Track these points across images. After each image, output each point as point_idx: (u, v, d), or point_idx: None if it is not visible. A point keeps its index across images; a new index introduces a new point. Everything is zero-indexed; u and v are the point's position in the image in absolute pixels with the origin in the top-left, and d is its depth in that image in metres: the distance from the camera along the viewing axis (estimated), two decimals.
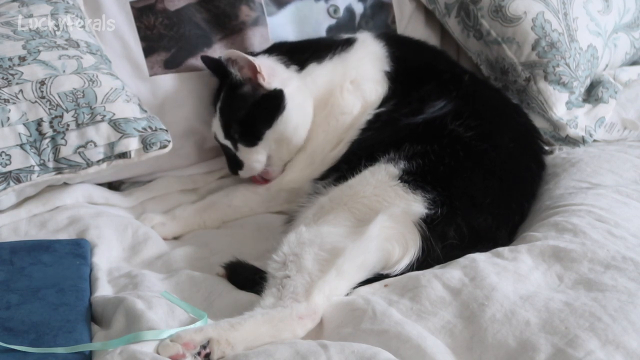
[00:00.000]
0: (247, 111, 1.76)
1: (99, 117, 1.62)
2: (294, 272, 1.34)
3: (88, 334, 1.28)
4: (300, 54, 1.84)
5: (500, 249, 1.41)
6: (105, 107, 1.64)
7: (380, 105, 1.76)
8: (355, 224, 1.43)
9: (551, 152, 1.89)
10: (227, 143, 1.81)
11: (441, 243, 1.42)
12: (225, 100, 1.79)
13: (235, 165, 1.83)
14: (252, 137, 1.77)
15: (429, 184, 1.46)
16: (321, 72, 1.81)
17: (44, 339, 1.23)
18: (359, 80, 1.79)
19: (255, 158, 1.80)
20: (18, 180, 1.58)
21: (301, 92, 1.78)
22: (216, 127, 1.83)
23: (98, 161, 1.64)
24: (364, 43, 1.87)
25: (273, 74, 1.76)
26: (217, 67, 1.85)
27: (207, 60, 1.88)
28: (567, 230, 1.44)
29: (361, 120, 1.75)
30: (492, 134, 1.60)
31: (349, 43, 1.87)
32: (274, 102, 1.75)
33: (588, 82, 2.04)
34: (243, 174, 1.83)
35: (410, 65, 1.82)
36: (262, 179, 1.85)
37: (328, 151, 1.78)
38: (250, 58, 1.73)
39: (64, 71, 1.64)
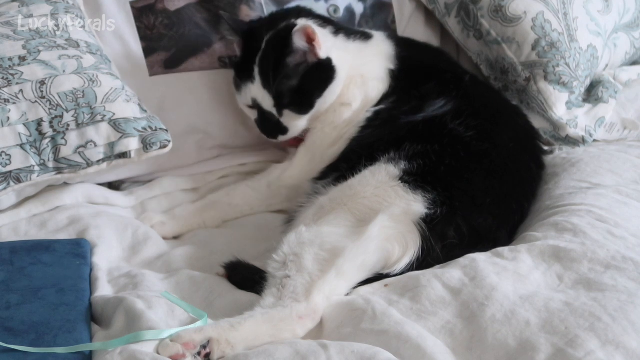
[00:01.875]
0: (300, 81, 1.74)
1: (99, 117, 1.62)
2: (294, 272, 1.34)
3: (88, 334, 1.28)
4: (330, 23, 1.85)
5: (500, 249, 1.41)
6: (105, 107, 1.64)
7: (380, 102, 1.76)
8: (355, 224, 1.43)
9: (551, 152, 1.89)
10: (273, 110, 1.78)
11: (441, 243, 1.42)
12: (274, 68, 1.74)
13: (277, 130, 1.80)
14: (306, 106, 1.76)
15: (430, 184, 1.46)
16: (349, 48, 1.81)
17: (44, 339, 1.23)
18: (367, 76, 1.79)
19: (302, 124, 1.79)
20: (18, 180, 1.58)
21: (341, 59, 1.76)
22: (257, 94, 1.78)
23: (98, 161, 1.64)
24: (378, 41, 1.87)
25: (322, 41, 1.73)
26: (240, 28, 1.84)
27: (229, 20, 1.86)
28: (567, 230, 1.44)
29: (361, 117, 1.75)
30: (492, 134, 1.60)
31: (366, 36, 1.87)
32: (327, 72, 1.74)
33: (588, 82, 2.04)
34: (285, 138, 1.81)
35: (413, 65, 1.82)
36: (295, 140, 1.84)
37: (328, 146, 1.77)
38: (313, 28, 1.69)
39: (64, 71, 1.64)
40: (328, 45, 1.75)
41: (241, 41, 1.84)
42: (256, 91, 1.78)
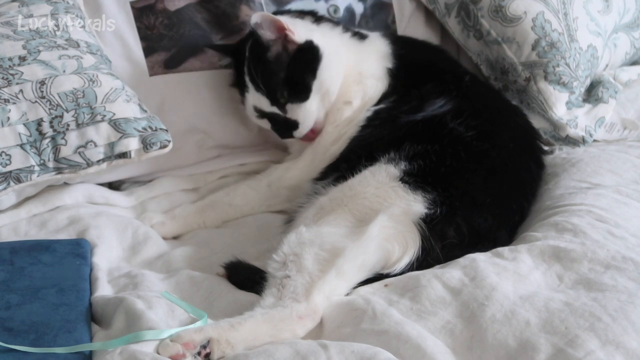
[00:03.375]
0: (287, 71, 1.74)
1: (99, 117, 1.62)
2: (294, 272, 1.34)
3: (88, 334, 1.28)
4: (311, 14, 1.86)
5: (500, 249, 1.41)
6: (105, 107, 1.64)
7: (380, 101, 1.76)
8: (355, 224, 1.43)
9: (551, 152, 1.89)
10: (274, 109, 1.78)
11: (441, 243, 1.42)
12: (258, 69, 1.76)
13: (288, 127, 1.79)
14: (303, 92, 1.75)
15: (430, 184, 1.46)
16: (340, 39, 1.82)
17: (44, 339, 1.23)
18: (365, 74, 1.80)
19: (310, 111, 1.77)
20: (18, 180, 1.58)
21: (327, 41, 1.77)
22: (255, 99, 1.80)
23: (98, 161, 1.64)
24: (373, 40, 1.88)
25: (295, 27, 1.74)
26: (225, 48, 1.87)
27: (215, 47, 1.90)
28: (567, 230, 1.44)
29: (360, 117, 1.75)
30: (492, 134, 1.60)
31: (361, 36, 1.87)
32: (311, 52, 1.74)
33: (588, 82, 2.04)
34: (299, 133, 1.79)
35: (412, 64, 1.82)
36: (312, 133, 1.82)
37: (329, 145, 1.77)
38: (275, 17, 1.72)
39: (64, 71, 1.64)
40: (306, 29, 1.76)
41: (232, 60, 1.86)
42: (253, 98, 1.80)
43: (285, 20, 1.74)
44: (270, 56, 1.74)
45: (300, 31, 1.74)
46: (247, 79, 1.79)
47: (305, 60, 1.74)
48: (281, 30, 1.72)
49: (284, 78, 1.74)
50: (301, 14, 1.87)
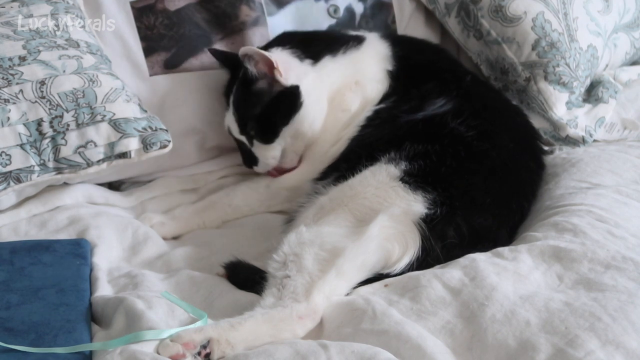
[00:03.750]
0: (263, 108, 1.75)
1: (99, 117, 1.62)
2: (294, 272, 1.34)
3: (88, 334, 1.28)
4: (314, 46, 1.83)
5: (500, 249, 1.41)
6: (105, 107, 1.64)
7: (380, 102, 1.76)
8: (355, 224, 1.43)
9: (551, 152, 1.89)
10: (243, 138, 1.80)
11: (441, 242, 1.42)
12: (240, 95, 1.77)
13: (250, 160, 1.82)
14: (269, 135, 1.76)
15: (430, 184, 1.46)
16: (335, 67, 1.81)
17: (44, 339, 1.23)
18: (363, 81, 1.79)
19: (271, 154, 1.79)
20: (18, 180, 1.58)
21: (316, 87, 1.77)
22: (230, 121, 1.82)
23: (98, 161, 1.64)
24: (371, 43, 1.87)
25: (289, 68, 1.74)
26: (226, 59, 1.86)
27: (217, 53, 1.89)
28: (567, 230, 1.44)
29: (360, 117, 1.75)
30: (492, 134, 1.60)
31: (358, 41, 1.86)
32: (291, 99, 1.74)
33: (588, 82, 2.04)
34: (258, 169, 1.82)
35: (412, 64, 1.82)
36: (276, 172, 1.84)
37: (328, 148, 1.77)
38: (267, 54, 1.71)
39: (64, 71, 1.64)
40: (299, 72, 1.75)
41: (228, 71, 1.86)
42: (228, 118, 1.82)
43: (282, 56, 1.73)
44: (254, 88, 1.74)
45: (291, 74, 1.73)
46: (231, 97, 1.80)
47: (284, 106, 1.74)
48: (271, 68, 1.72)
49: (257, 114, 1.75)
50: (304, 46, 1.81)
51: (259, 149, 1.79)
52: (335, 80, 1.79)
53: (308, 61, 1.79)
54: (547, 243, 1.40)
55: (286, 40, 1.84)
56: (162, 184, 1.89)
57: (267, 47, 1.83)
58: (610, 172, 1.70)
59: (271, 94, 1.74)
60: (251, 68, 1.73)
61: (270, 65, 1.72)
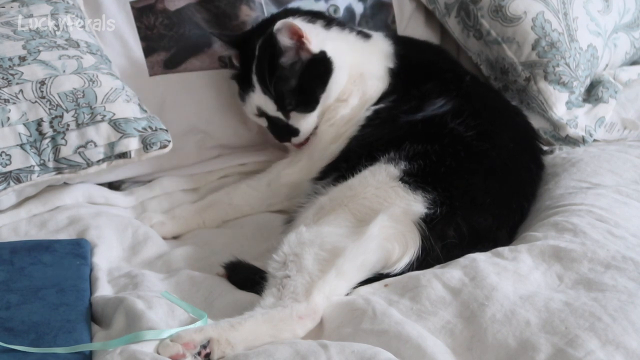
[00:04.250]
0: (298, 79, 1.73)
1: (99, 117, 1.62)
2: (294, 272, 1.34)
3: (88, 334, 1.28)
4: (321, 17, 1.85)
5: (500, 249, 1.41)
6: (105, 107, 1.64)
7: (380, 101, 1.76)
8: (355, 224, 1.43)
9: (551, 152, 1.89)
10: (279, 115, 1.78)
11: (441, 242, 1.42)
12: (271, 72, 1.74)
13: (289, 133, 1.79)
14: (311, 104, 1.75)
15: (430, 184, 1.46)
16: (347, 40, 1.81)
17: (44, 339, 1.23)
18: (366, 75, 1.79)
19: (312, 121, 1.77)
20: (18, 180, 1.58)
21: (337, 49, 1.76)
22: (260, 101, 1.79)
23: (98, 161, 1.64)
24: (377, 40, 1.87)
25: (311, 35, 1.73)
26: (231, 40, 1.85)
27: (221, 36, 1.88)
28: (567, 230, 1.44)
29: (360, 116, 1.75)
30: (492, 134, 1.60)
31: (365, 35, 1.87)
32: (324, 65, 1.74)
33: (588, 82, 2.04)
34: (298, 139, 1.80)
35: (412, 64, 1.82)
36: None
37: (327, 144, 1.77)
38: (297, 25, 1.69)
39: (64, 71, 1.64)
40: (320, 38, 1.75)
41: (237, 53, 1.85)
42: (258, 99, 1.79)
43: (302, 26, 1.72)
44: (284, 62, 1.73)
45: (314, 40, 1.73)
46: (254, 77, 1.77)
47: (318, 73, 1.74)
48: (299, 37, 1.71)
49: (295, 86, 1.74)
50: (311, 16, 1.84)
51: (298, 119, 1.77)
52: (349, 55, 1.79)
53: (320, 23, 1.80)
54: (547, 243, 1.40)
55: (292, 12, 1.85)
56: (162, 184, 1.89)
57: (274, 19, 1.81)
58: (610, 172, 1.70)
59: (302, 64, 1.73)
60: (284, 39, 1.70)
61: (299, 35, 1.70)
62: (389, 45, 1.86)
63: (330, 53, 1.74)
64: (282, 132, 1.81)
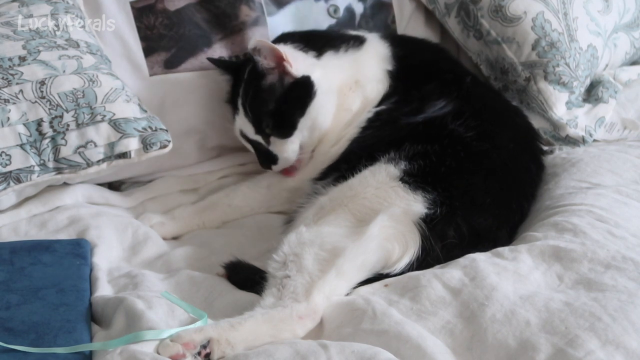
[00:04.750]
0: (277, 102, 1.72)
1: (99, 117, 1.62)
2: (294, 272, 1.34)
3: (88, 334, 1.28)
4: (314, 42, 1.83)
5: (500, 249, 1.41)
6: (105, 107, 1.64)
7: (381, 102, 1.76)
8: (355, 224, 1.43)
9: (551, 152, 1.89)
10: (258, 138, 1.77)
11: (441, 242, 1.42)
12: (250, 94, 1.75)
13: (268, 159, 1.78)
14: (287, 128, 1.74)
15: (430, 184, 1.46)
16: (337, 64, 1.80)
17: (44, 339, 1.23)
18: (363, 81, 1.79)
19: (291, 148, 1.76)
20: (18, 181, 1.58)
21: (325, 78, 1.76)
22: (242, 124, 1.79)
23: (98, 161, 1.64)
24: (371, 43, 1.87)
25: (297, 60, 1.73)
26: (227, 66, 1.86)
27: (217, 62, 1.89)
28: (567, 230, 1.44)
29: (361, 118, 1.75)
30: (492, 135, 1.60)
31: (360, 41, 1.86)
32: (305, 88, 1.72)
33: (588, 82, 2.04)
34: (277, 167, 1.79)
35: (412, 65, 1.82)
36: (291, 168, 1.81)
37: (328, 147, 1.77)
38: (275, 46, 1.70)
39: (64, 71, 1.64)
40: (307, 64, 1.74)
41: (231, 78, 1.86)
42: (240, 121, 1.80)
43: (286, 50, 1.72)
44: (264, 84, 1.73)
45: (299, 65, 1.73)
46: (239, 101, 1.78)
47: (298, 97, 1.73)
48: (280, 60, 1.71)
49: (272, 109, 1.73)
50: (305, 43, 1.81)
51: (277, 146, 1.76)
52: (339, 77, 1.78)
53: (312, 53, 1.79)
54: (547, 243, 1.40)
55: (286, 38, 1.84)
56: (162, 184, 1.89)
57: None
58: (610, 172, 1.70)
59: (283, 87, 1.73)
60: (262, 61, 1.70)
61: (280, 58, 1.70)
62: (386, 47, 1.85)
63: (315, 78, 1.73)
64: (263, 158, 1.80)
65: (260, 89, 1.73)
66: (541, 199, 1.64)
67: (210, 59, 1.91)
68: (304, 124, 1.74)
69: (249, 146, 1.84)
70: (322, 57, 1.79)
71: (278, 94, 1.73)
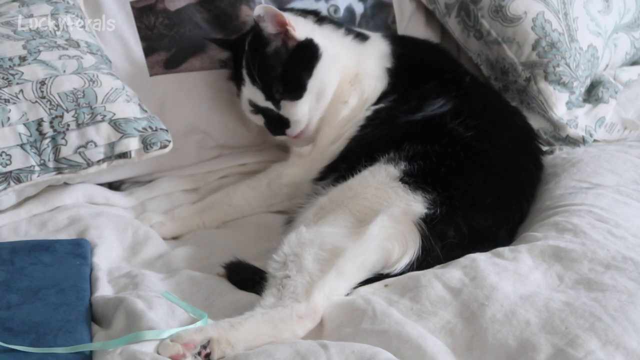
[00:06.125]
0: (284, 66, 1.73)
1: (99, 117, 1.62)
2: (294, 272, 1.34)
3: (88, 334, 1.28)
4: (314, 14, 1.87)
5: (500, 249, 1.41)
6: (105, 107, 1.64)
7: (379, 100, 1.76)
8: (355, 224, 1.43)
9: (551, 152, 1.89)
10: (269, 105, 1.77)
11: (441, 242, 1.43)
12: (256, 62, 1.75)
13: (281, 125, 1.78)
14: (297, 90, 1.74)
15: (429, 184, 1.46)
16: (341, 41, 1.82)
17: (44, 339, 1.23)
18: (362, 74, 1.79)
19: (302, 111, 1.75)
20: (18, 180, 1.58)
21: (331, 44, 1.77)
22: (250, 93, 1.79)
23: (98, 161, 1.64)
24: (374, 41, 1.88)
25: (297, 24, 1.74)
26: (225, 43, 1.88)
27: (215, 40, 1.91)
28: (567, 230, 1.44)
29: (360, 116, 1.75)
30: (491, 135, 1.60)
31: (363, 37, 1.87)
32: (309, 50, 1.74)
33: (588, 82, 2.04)
34: (291, 131, 1.78)
35: (412, 63, 1.82)
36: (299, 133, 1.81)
37: (327, 144, 1.77)
38: (279, 11, 1.71)
39: (64, 71, 1.64)
40: (308, 28, 1.77)
41: (231, 54, 1.86)
42: (248, 91, 1.79)
43: (287, 16, 1.74)
44: (269, 50, 1.74)
45: (301, 28, 1.74)
46: (243, 71, 1.78)
47: (303, 58, 1.74)
48: (282, 25, 1.72)
49: (280, 73, 1.74)
50: (304, 12, 1.87)
51: (288, 109, 1.76)
52: (343, 55, 1.79)
53: (311, 18, 1.82)
54: (547, 243, 1.40)
55: (284, 10, 1.85)
56: (162, 184, 1.89)
57: None
58: (610, 172, 1.70)
59: (288, 51, 1.74)
60: (266, 25, 1.71)
61: (282, 22, 1.71)
62: (386, 45, 1.86)
63: (318, 41, 1.75)
64: (275, 125, 1.80)
65: (266, 55, 1.74)
66: (541, 199, 1.64)
67: (207, 37, 1.92)
68: (312, 85, 1.74)
69: (256, 119, 1.84)
70: (323, 26, 1.82)
71: (284, 58, 1.74)
